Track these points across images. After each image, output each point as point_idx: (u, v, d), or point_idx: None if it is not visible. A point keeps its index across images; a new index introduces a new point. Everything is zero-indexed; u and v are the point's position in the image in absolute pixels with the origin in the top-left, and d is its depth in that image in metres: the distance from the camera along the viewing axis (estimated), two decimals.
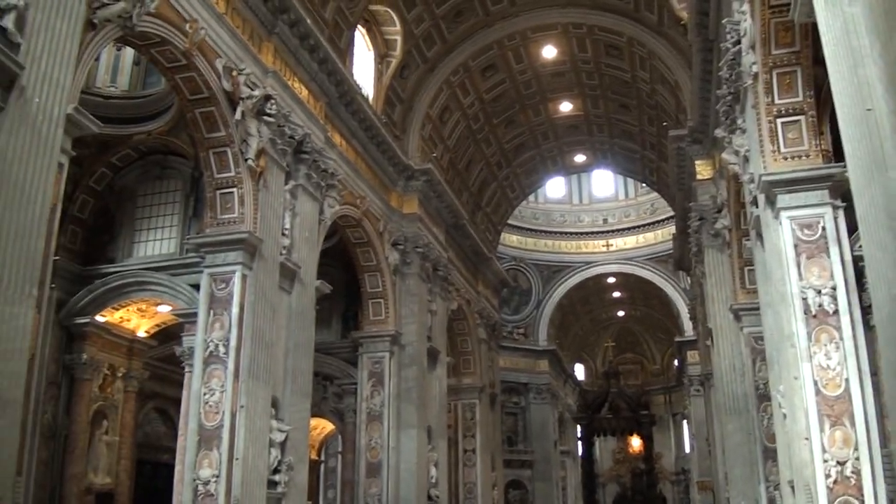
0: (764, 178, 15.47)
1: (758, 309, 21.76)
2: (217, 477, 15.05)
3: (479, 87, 30.65)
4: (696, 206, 26.34)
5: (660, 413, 53.93)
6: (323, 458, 27.54)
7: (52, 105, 11.12)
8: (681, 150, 26.85)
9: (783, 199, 15.27)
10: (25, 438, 11.60)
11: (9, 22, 10.29)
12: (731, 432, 23.47)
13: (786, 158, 15.72)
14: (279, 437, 17.01)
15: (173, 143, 19.11)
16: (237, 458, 15.33)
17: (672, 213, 43.54)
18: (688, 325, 45.40)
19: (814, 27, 14.92)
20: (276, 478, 16.80)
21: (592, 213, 50.05)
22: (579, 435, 53.45)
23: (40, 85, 10.90)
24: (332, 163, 20.98)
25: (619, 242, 48.84)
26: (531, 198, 44.15)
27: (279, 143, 18.09)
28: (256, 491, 15.86)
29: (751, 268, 23.14)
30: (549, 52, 29.95)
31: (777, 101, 15.86)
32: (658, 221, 47.36)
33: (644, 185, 46.72)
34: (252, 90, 16.79)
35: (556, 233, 49.20)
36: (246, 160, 16.78)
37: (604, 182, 50.12)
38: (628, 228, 48.92)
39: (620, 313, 56.78)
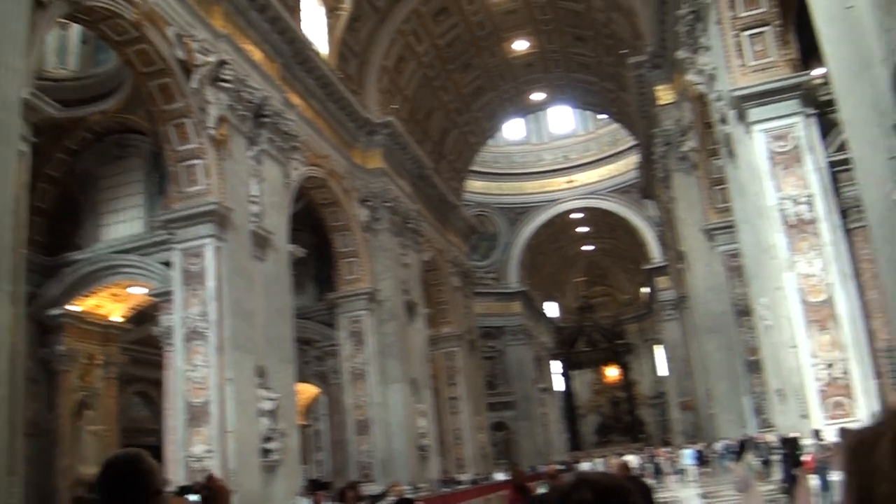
0: (734, 94, 15.40)
1: (731, 228, 21.97)
2: (211, 451, 14.89)
3: (433, 33, 30.07)
4: (660, 131, 26.32)
5: (633, 341, 54.74)
6: (308, 422, 27.44)
7: (6, 91, 10.58)
8: (641, 76, 26.69)
9: (754, 113, 15.22)
10: (15, 437, 11.28)
11: None
12: (712, 350, 23.86)
13: (754, 71, 15.65)
14: (268, 406, 16.85)
15: (130, 121, 18.44)
16: (229, 431, 15.17)
17: (634, 143, 43.59)
18: (656, 253, 45.88)
19: None
20: (269, 446, 16.69)
21: (553, 151, 49.92)
22: (558, 371, 54.15)
23: None
24: (293, 124, 20.51)
25: (581, 177, 48.88)
26: (490, 142, 43.84)
27: (238, 109, 17.58)
28: (251, 461, 15.78)
29: (720, 187, 23.28)
30: None
31: (741, 14, 15.74)
32: (620, 152, 47.40)
33: (603, 117, 46.73)
34: (206, 56, 16.24)
35: (518, 174, 49.08)
36: (207, 129, 16.29)
37: (562, 119, 49.94)
38: (590, 163, 48.95)
39: (588, 248, 57.18)
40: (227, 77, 17.01)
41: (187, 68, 15.97)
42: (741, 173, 16.54)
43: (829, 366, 12.84)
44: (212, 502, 2.32)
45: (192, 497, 2.22)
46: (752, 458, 11.28)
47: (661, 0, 22.40)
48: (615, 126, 44.92)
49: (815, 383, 12.86)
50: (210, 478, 2.40)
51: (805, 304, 13.43)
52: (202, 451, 14.86)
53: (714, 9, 16.16)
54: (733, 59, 15.88)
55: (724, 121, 17.38)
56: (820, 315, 13.24)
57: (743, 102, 15.23)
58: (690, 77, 20.43)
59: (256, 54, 19.17)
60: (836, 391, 12.73)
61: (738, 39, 15.84)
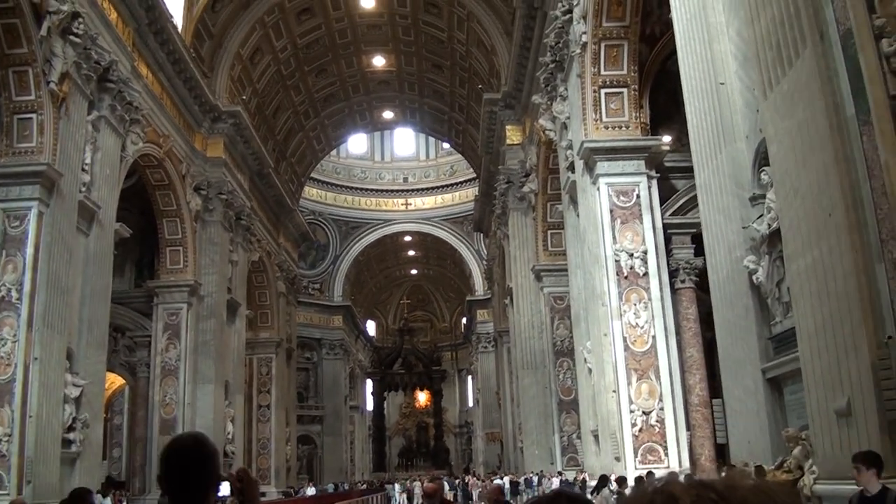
0: (586, 145, 16.15)
1: (560, 271, 23.01)
2: (9, 436, 13.48)
3: (294, 31, 29.46)
4: (504, 169, 27.15)
5: (447, 369, 55.78)
6: (109, 415, 25.64)
7: None
8: (493, 113, 27.49)
9: (602, 166, 16.04)
10: None
11: None
12: (528, 386, 24.72)
13: (607, 128, 16.51)
14: (74, 392, 15.55)
15: None
16: (30, 416, 13.81)
17: (471, 177, 44.84)
18: (479, 286, 47.16)
19: (646, 3, 15.78)
20: (71, 436, 15.38)
21: (393, 172, 50.26)
22: (370, 390, 54.10)
23: None
24: (138, 95, 19.28)
25: (417, 202, 49.49)
26: (333, 152, 43.46)
27: (84, 68, 16.30)
28: (51, 450, 14.43)
29: (554, 231, 24.37)
30: (368, 2, 29.40)
31: (603, 71, 16.57)
32: (457, 183, 48.48)
33: (444, 147, 47.67)
34: (61, 4, 14.92)
35: (356, 189, 48.94)
36: (48, 83, 14.97)
37: (405, 141, 50.40)
38: (427, 189, 49.68)
39: (414, 271, 57.82)
40: (78, 32, 15.75)
41: (38, 13, 14.66)
42: (581, 220, 17.37)
43: (646, 413, 13.64)
44: (242, 495, 2.09)
45: (224, 488, 1.99)
46: (608, 493, 11.74)
47: (524, 45, 23.26)
48: (456, 157, 45.98)
49: (632, 428, 13.61)
50: (242, 470, 2.19)
51: (629, 351, 14.22)
52: (0, 434, 13.41)
53: (578, 62, 16.92)
54: (589, 111, 16.65)
55: (571, 168, 18.22)
56: (642, 364, 14.06)
57: (593, 154, 16.01)
58: (542, 122, 21.31)
59: (112, 14, 17.99)
60: (651, 437, 13.54)
61: (595, 95, 16.62)
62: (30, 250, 14.44)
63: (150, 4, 19.57)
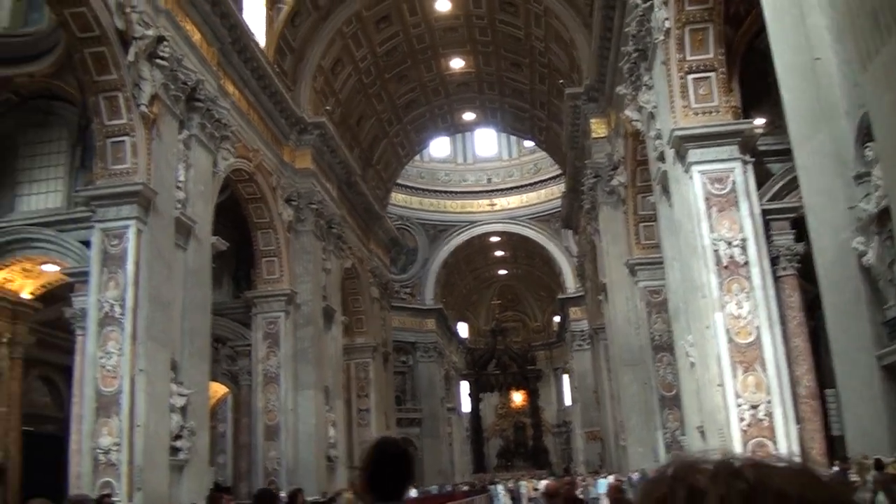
0: (676, 133, 15.64)
1: (654, 264, 22.42)
2: (118, 445, 14.00)
3: (373, 39, 29.78)
4: (591, 163, 26.68)
5: (542, 368, 55.31)
6: (213, 423, 26.45)
7: None
8: (576, 108, 27.06)
9: (694, 154, 15.50)
10: None
11: None
12: (627, 383, 24.18)
13: (696, 114, 15.96)
14: (180, 402, 16.07)
15: (58, 87, 17.40)
16: (138, 425, 14.33)
17: (556, 174, 44.36)
18: (570, 283, 46.57)
19: None
20: (178, 444, 15.90)
21: (476, 173, 50.20)
22: (465, 392, 54.20)
23: None
24: (226, 112, 19.81)
25: (503, 202, 49.24)
26: (416, 157, 43.73)
27: (172, 89, 16.84)
28: (159, 458, 14.95)
29: (646, 224, 23.78)
30: (444, 5, 29.41)
31: (689, 57, 16.03)
32: (542, 181, 48.03)
33: (526, 145, 47.33)
34: (146, 30, 15.46)
35: (441, 192, 49.07)
36: (139, 106, 15.49)
37: (487, 142, 50.30)
38: (512, 188, 49.37)
39: (503, 272, 57.60)
40: (164, 55, 16.26)
41: (125, 40, 15.17)
42: (675, 211, 16.85)
43: (754, 407, 13.09)
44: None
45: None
46: None
47: (605, 36, 22.80)
48: (539, 155, 45.56)
49: (739, 423, 13.09)
50: (297, 490, 2.29)
51: (733, 344, 13.68)
52: (110, 444, 13.95)
53: (662, 48, 16.41)
54: (677, 99, 16.13)
55: (661, 158, 17.71)
56: (747, 356, 13.50)
57: (684, 142, 15.48)
58: (628, 113, 20.79)
59: (195, 35, 18.49)
60: (759, 432, 12.99)
61: (682, 81, 16.09)
62: (130, 267, 14.96)
63: (232, 24, 20.06)
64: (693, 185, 15.24)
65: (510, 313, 60.06)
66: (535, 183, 48.68)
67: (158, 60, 16.13)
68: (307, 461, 23.35)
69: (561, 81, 29.23)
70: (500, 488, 32.84)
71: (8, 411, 18.71)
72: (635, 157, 22.80)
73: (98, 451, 13.99)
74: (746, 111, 15.85)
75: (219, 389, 25.96)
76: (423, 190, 48.57)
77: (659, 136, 17.49)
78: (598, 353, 32.85)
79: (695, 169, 15.29)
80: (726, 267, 14.29)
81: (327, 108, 28.70)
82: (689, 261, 15.60)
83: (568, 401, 55.75)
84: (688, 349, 16.24)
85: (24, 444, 19.78)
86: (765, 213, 14.73)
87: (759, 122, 15.75)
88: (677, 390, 19.60)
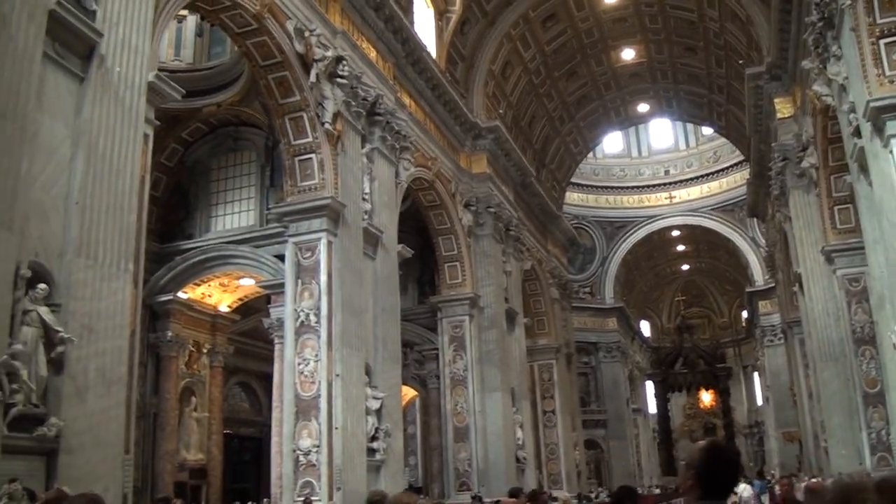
0: (871, 104, 14.35)
1: (853, 250, 20.74)
2: (318, 447, 14.82)
3: (540, 39, 29.71)
4: (777, 146, 25.14)
5: (731, 366, 52.76)
6: (403, 425, 27.40)
7: (133, 73, 10.71)
8: (758, 88, 25.60)
9: (893, 126, 14.22)
10: (130, 417, 11.40)
11: None
12: (827, 380, 22.51)
13: (892, 82, 14.66)
14: (374, 405, 16.77)
15: (245, 113, 18.75)
16: (336, 427, 15.08)
17: (737, 160, 42.24)
18: (758, 275, 44.14)
19: None
20: (375, 445, 16.60)
21: (653, 166, 48.68)
22: (650, 392, 52.72)
23: (119, 52, 10.49)
24: (405, 124, 20.49)
25: (682, 194, 47.39)
26: (589, 154, 43.06)
27: (353, 106, 17.63)
28: (357, 459, 15.64)
29: (842, 206, 22.08)
30: None
31: (879, 20, 14.72)
32: (722, 169, 45.83)
33: (704, 133, 45.38)
34: (325, 51, 16.29)
35: (616, 188, 48.02)
36: (323, 124, 16.34)
37: (662, 133, 48.66)
38: (691, 179, 47.39)
39: (685, 267, 55.50)
40: (344, 73, 17.06)
41: (305, 63, 16.05)
42: (875, 190, 15.52)
43: None
44: None
45: None
46: None
47: (784, 8, 21.44)
48: (718, 142, 43.60)
49: None
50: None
51: None
52: (309, 446, 14.82)
53: (850, 14, 15.15)
54: (870, 67, 14.79)
55: (857, 134, 16.39)
56: None
57: (881, 114, 14.18)
58: (816, 88, 19.38)
59: (371, 52, 19.24)
60: None
61: (874, 47, 14.77)
62: (323, 277, 15.80)
63: (404, 38, 20.70)
64: (894, 158, 13.99)
65: (695, 309, 57.67)
66: (716, 172, 46.47)
67: (339, 79, 16.92)
68: (497, 462, 23.58)
69: (740, 62, 27.82)
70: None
71: (210, 416, 20.28)
72: (826, 135, 21.22)
73: (299, 452, 14.87)
74: None
75: (408, 392, 26.80)
76: (598, 187, 47.71)
77: (853, 110, 16.16)
78: (792, 348, 30.96)
79: (895, 142, 14.04)
80: None
81: (499, 111, 28.97)
82: (894, 242, 14.33)
83: (759, 400, 52.84)
84: (894, 340, 14.90)
85: (225, 447, 21.42)
86: None
87: None
88: (881, 386, 18.07)
